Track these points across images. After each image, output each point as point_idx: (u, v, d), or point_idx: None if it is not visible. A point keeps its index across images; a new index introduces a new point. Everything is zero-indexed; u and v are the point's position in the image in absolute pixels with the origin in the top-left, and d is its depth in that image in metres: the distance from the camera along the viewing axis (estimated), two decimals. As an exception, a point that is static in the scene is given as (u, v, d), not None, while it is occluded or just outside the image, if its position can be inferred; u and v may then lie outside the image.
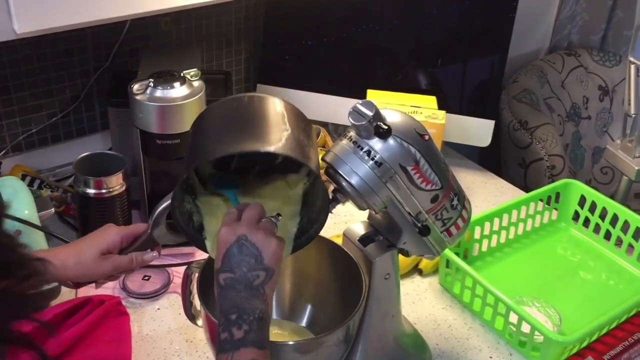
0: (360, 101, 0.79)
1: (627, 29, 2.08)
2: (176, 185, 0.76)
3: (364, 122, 0.77)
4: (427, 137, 0.82)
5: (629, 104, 1.28)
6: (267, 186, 0.85)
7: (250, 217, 0.74)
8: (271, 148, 0.72)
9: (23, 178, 1.17)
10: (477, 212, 1.19)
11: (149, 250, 0.87)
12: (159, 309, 1.05)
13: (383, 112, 0.80)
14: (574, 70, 2.03)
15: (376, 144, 0.79)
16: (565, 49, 2.10)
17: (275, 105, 0.79)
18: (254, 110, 0.78)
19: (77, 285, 0.87)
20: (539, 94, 1.90)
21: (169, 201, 0.78)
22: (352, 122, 0.78)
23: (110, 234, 0.84)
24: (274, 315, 0.97)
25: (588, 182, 1.24)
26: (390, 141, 0.79)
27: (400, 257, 1.09)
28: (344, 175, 0.80)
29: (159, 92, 1.05)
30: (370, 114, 0.77)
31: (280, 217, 0.78)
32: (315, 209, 0.82)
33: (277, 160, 0.81)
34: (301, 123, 0.79)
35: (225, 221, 0.74)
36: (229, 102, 0.81)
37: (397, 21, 1.43)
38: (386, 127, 0.78)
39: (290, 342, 0.80)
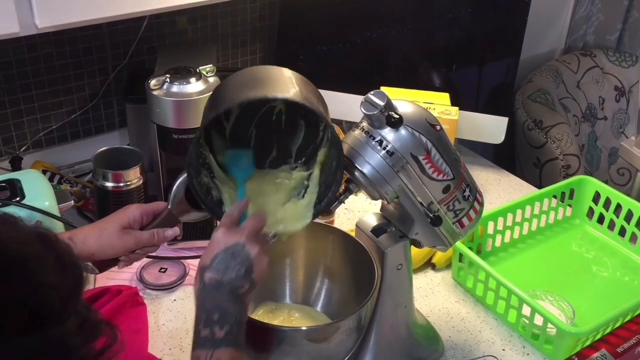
0: (372, 92, 0.80)
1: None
2: (192, 141, 0.78)
3: (375, 112, 0.79)
4: (438, 128, 0.83)
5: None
6: (275, 180, 0.86)
7: (253, 227, 0.76)
8: (286, 95, 0.75)
9: (43, 173, 1.20)
10: (490, 208, 1.20)
11: (168, 229, 0.87)
12: (175, 300, 1.06)
13: (395, 102, 0.81)
14: (590, 71, 2.03)
15: (388, 133, 0.80)
16: (580, 49, 2.10)
17: (283, 71, 0.83)
18: (266, 73, 0.82)
19: (100, 266, 0.85)
20: (554, 94, 1.90)
21: (183, 176, 0.81)
22: (364, 111, 0.79)
23: (131, 210, 0.85)
24: (289, 300, 0.99)
25: (604, 183, 1.24)
26: (402, 131, 0.80)
27: (414, 251, 1.11)
28: (356, 165, 0.81)
29: (175, 88, 1.07)
30: (381, 103, 0.78)
31: (276, 238, 0.82)
32: (331, 172, 0.83)
33: (296, 112, 0.84)
34: (309, 86, 0.83)
35: (224, 222, 0.76)
36: (243, 71, 0.84)
37: (412, 25, 1.44)
38: (397, 117, 0.79)
39: (303, 328, 0.81)
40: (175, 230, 0.86)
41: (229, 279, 0.72)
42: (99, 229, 0.83)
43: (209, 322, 0.70)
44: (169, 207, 0.86)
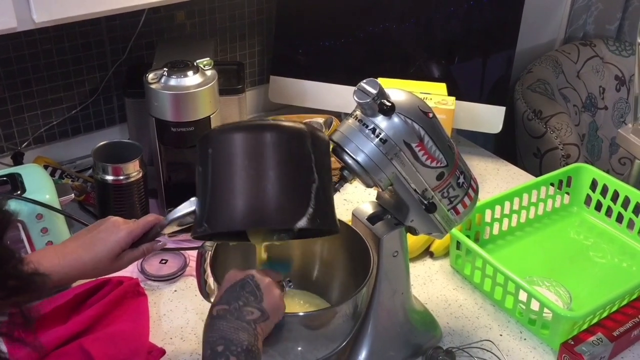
0: (364, 80, 0.81)
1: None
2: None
3: (368, 100, 0.79)
4: (431, 115, 0.84)
5: (639, 87, 1.28)
6: None
7: (265, 271, 0.76)
8: (299, 224, 0.71)
9: (45, 169, 1.21)
10: (489, 197, 1.20)
11: (158, 239, 0.87)
12: (175, 291, 1.08)
13: (388, 91, 0.82)
14: (590, 60, 2.03)
15: (381, 121, 0.81)
16: (580, 39, 2.10)
17: (303, 146, 0.74)
18: (277, 157, 0.73)
19: None
20: (553, 84, 1.90)
21: (184, 211, 0.79)
22: (357, 100, 0.80)
23: (122, 237, 0.83)
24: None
25: (606, 173, 1.24)
26: (395, 119, 0.81)
27: (412, 240, 1.12)
28: (350, 153, 0.82)
29: (173, 81, 1.08)
30: (374, 91, 0.79)
31: (290, 284, 0.81)
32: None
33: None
34: (326, 162, 0.76)
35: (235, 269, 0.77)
36: (251, 139, 0.73)
37: (410, 17, 1.44)
38: (390, 104, 0.80)
39: (300, 314, 0.82)
40: (165, 242, 0.88)
41: (236, 307, 0.71)
42: (94, 261, 0.82)
43: (213, 356, 0.68)
44: (159, 230, 0.84)
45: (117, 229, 0.83)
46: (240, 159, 0.72)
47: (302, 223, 0.71)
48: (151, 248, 0.86)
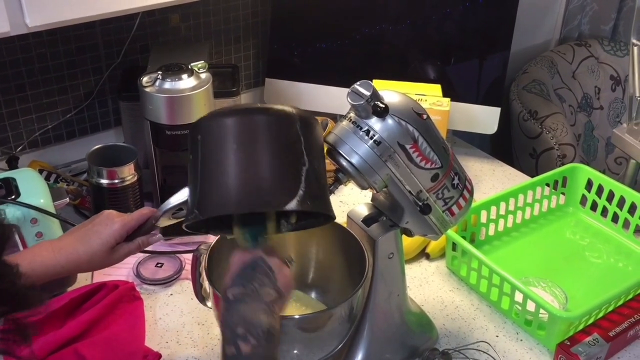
0: (358, 82, 0.81)
1: (638, 18, 2.07)
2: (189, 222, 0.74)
3: (362, 102, 0.79)
4: (425, 117, 0.84)
5: (635, 87, 1.28)
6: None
7: (267, 247, 0.75)
8: (288, 206, 0.69)
9: (40, 173, 1.21)
10: (484, 198, 1.21)
11: (153, 232, 0.88)
12: (171, 294, 1.08)
13: (381, 92, 0.82)
14: (585, 61, 2.03)
15: (375, 123, 0.81)
16: (575, 39, 2.10)
17: (292, 128, 0.73)
18: (266, 140, 0.72)
19: None
20: (549, 85, 1.90)
21: (178, 201, 0.79)
22: (351, 102, 0.80)
23: (116, 229, 0.83)
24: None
25: (602, 173, 1.24)
26: (389, 120, 0.81)
27: (408, 242, 1.12)
28: (344, 155, 0.82)
29: (167, 84, 1.08)
30: (367, 93, 0.79)
31: (293, 262, 0.78)
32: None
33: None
34: (318, 146, 0.75)
35: (237, 249, 0.75)
36: (239, 123, 0.73)
37: (405, 19, 1.45)
38: (383, 106, 0.79)
39: (296, 316, 0.82)
40: (160, 237, 0.87)
41: (253, 289, 0.69)
42: (89, 254, 0.82)
43: (233, 338, 0.66)
44: (154, 222, 0.85)
45: (111, 221, 0.84)
46: (229, 142, 0.71)
47: (292, 205, 0.69)
48: (147, 241, 0.86)
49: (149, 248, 0.90)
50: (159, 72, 1.09)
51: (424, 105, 1.24)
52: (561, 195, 1.31)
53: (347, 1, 1.44)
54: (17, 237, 0.97)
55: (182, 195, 0.79)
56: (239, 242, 0.77)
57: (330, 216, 0.75)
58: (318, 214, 0.76)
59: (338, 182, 0.86)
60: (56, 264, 0.81)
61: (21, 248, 0.98)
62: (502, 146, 1.88)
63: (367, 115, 0.81)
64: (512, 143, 1.86)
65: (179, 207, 0.81)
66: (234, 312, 0.69)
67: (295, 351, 0.82)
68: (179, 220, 0.82)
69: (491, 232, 1.22)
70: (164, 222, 0.86)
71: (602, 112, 2.07)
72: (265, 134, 0.72)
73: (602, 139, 2.07)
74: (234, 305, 0.69)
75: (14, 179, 1.00)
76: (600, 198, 1.25)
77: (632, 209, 1.21)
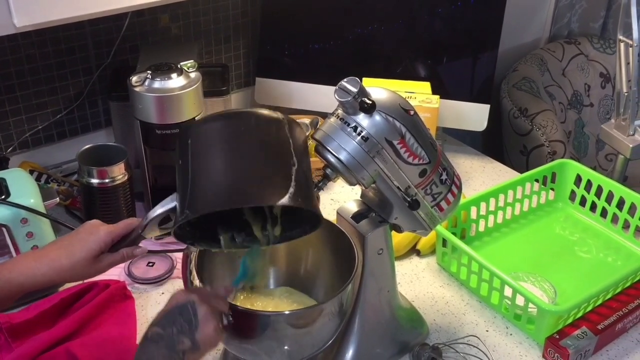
0: (345, 79, 0.81)
1: (627, 15, 2.08)
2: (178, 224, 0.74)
3: (349, 99, 0.80)
4: (412, 113, 0.84)
5: (622, 83, 1.29)
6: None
7: (213, 291, 0.75)
8: (281, 201, 0.70)
9: (31, 173, 1.21)
10: (474, 194, 1.21)
11: (138, 245, 0.87)
12: (163, 293, 1.08)
13: (369, 89, 0.83)
14: (575, 58, 2.04)
15: (362, 120, 0.81)
16: (565, 37, 2.12)
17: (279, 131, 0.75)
18: (257, 141, 0.75)
19: None
20: (539, 82, 1.91)
21: (164, 208, 0.79)
22: (338, 98, 0.81)
23: (101, 237, 0.83)
24: (273, 286, 0.99)
25: (593, 169, 1.25)
26: (376, 116, 0.81)
27: (398, 238, 1.13)
28: (332, 152, 0.82)
29: (157, 84, 1.09)
30: (354, 90, 0.80)
31: (231, 319, 0.78)
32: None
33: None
34: (305, 149, 0.77)
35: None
36: (230, 125, 0.75)
37: (395, 19, 1.45)
38: (370, 102, 0.80)
39: (286, 312, 0.82)
40: (144, 249, 0.86)
41: (170, 333, 0.70)
42: (72, 262, 0.81)
43: None
44: (140, 232, 0.84)
45: (96, 229, 0.83)
46: (220, 144, 0.73)
47: (284, 200, 0.71)
48: (131, 253, 0.85)
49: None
50: (149, 72, 1.09)
51: (413, 102, 1.24)
52: (550, 191, 1.31)
53: (338, 0, 1.45)
54: (7, 237, 0.97)
55: (169, 201, 0.79)
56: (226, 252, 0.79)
57: (317, 223, 0.77)
58: (304, 223, 0.79)
59: (327, 178, 0.86)
60: (36, 273, 0.80)
61: (12, 248, 0.99)
62: (493, 144, 1.89)
63: (355, 111, 0.81)
64: (503, 140, 1.87)
65: (165, 215, 0.81)
66: (145, 350, 0.70)
67: (285, 347, 0.83)
68: (167, 231, 0.82)
69: (481, 228, 1.22)
70: (150, 232, 0.84)
71: (592, 109, 2.08)
72: (256, 135, 0.75)
73: (592, 135, 2.09)
74: (147, 344, 0.70)
75: (3, 179, 1.00)
76: (589, 193, 1.26)
77: (621, 204, 1.21)
